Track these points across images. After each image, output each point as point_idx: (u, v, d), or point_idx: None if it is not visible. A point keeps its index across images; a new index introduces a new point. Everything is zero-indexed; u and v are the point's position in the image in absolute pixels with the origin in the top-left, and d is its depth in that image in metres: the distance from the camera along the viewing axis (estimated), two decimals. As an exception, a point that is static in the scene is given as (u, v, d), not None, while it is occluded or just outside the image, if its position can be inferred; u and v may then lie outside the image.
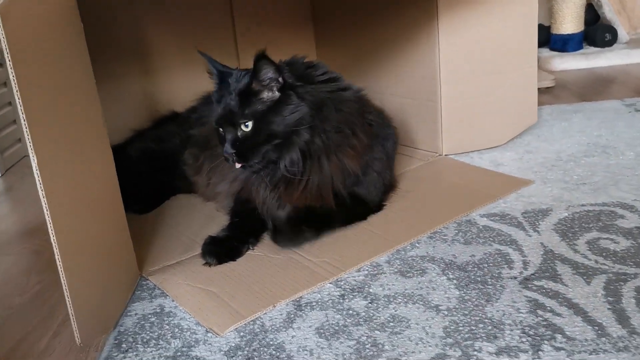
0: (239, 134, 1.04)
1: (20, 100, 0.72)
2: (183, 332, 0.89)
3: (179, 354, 0.84)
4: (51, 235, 0.77)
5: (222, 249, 1.05)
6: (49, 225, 0.77)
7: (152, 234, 1.19)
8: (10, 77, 0.71)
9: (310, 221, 1.10)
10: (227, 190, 1.22)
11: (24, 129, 0.73)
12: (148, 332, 0.90)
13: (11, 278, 1.12)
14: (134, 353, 0.85)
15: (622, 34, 2.40)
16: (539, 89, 2.03)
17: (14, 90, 0.72)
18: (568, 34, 2.36)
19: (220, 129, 1.06)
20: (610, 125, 1.61)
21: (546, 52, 2.41)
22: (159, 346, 0.86)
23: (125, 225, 1.02)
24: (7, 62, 0.70)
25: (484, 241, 1.07)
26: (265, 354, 0.82)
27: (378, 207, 1.21)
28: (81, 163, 0.87)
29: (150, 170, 1.37)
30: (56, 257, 0.78)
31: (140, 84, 1.50)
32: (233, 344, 0.85)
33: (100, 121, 0.96)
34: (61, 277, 0.79)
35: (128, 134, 1.46)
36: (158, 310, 0.95)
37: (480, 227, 1.12)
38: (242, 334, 0.87)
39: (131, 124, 1.47)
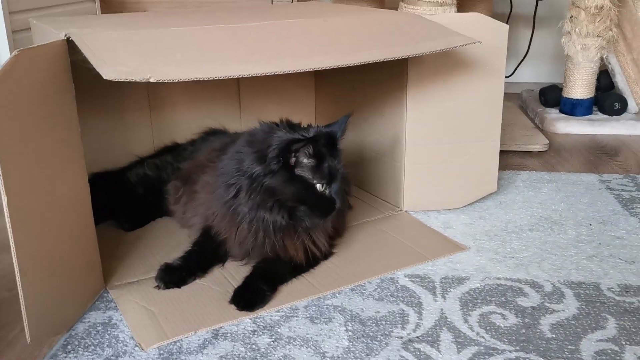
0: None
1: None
2: (118, 342, 1.09)
3: (107, 361, 1.05)
4: (11, 244, 0.96)
5: (170, 277, 1.25)
6: (10, 235, 0.96)
7: (127, 253, 1.41)
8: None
9: (269, 277, 1.25)
10: (198, 224, 1.41)
11: None
12: (92, 339, 1.11)
13: (6, 275, 1.36)
14: (74, 355, 1.06)
15: (632, 104, 2.45)
16: (530, 152, 2.16)
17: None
18: (577, 99, 2.44)
19: (325, 185, 1.25)
20: (573, 200, 1.72)
21: (555, 113, 2.50)
22: (95, 352, 1.07)
23: (94, 244, 1.23)
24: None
25: (394, 300, 1.22)
26: (170, 372, 1.02)
27: (328, 255, 1.39)
28: (51, 184, 1.05)
29: (143, 194, 1.59)
30: (15, 266, 0.98)
31: (148, 117, 1.73)
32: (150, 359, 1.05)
33: (78, 152, 1.15)
34: (18, 284, 0.99)
35: (132, 159, 1.69)
36: (106, 321, 1.16)
37: (399, 286, 1.27)
38: (161, 352, 1.07)
39: (137, 151, 1.70)
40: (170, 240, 1.47)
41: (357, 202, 1.69)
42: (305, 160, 1.23)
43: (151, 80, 0.96)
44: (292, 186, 1.22)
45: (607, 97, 2.47)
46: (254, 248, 1.28)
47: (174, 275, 1.25)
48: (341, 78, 1.82)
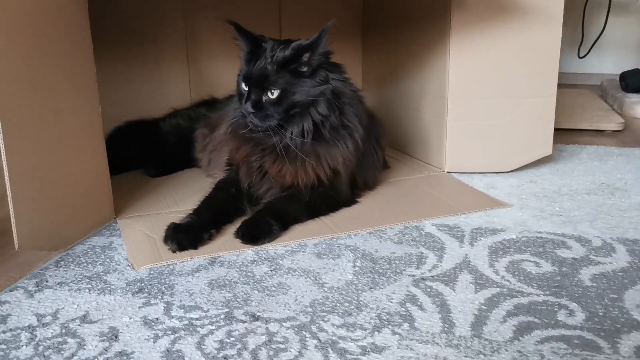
0: (263, 98, 1.14)
1: None
2: (111, 262, 1.04)
3: (94, 275, 0.99)
4: (4, 163, 0.93)
5: (185, 237, 1.09)
6: (2, 153, 0.93)
7: (148, 192, 1.37)
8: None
9: (280, 214, 1.16)
10: (221, 175, 1.35)
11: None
12: (87, 257, 1.06)
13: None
14: (64, 269, 1.02)
15: None
16: (604, 131, 1.96)
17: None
18: (661, 82, 2.21)
19: (245, 86, 1.16)
20: (642, 171, 1.52)
21: (635, 97, 2.27)
22: (85, 268, 1.02)
23: (105, 177, 1.19)
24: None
25: (415, 244, 1.10)
26: (155, 288, 0.94)
27: (350, 202, 1.29)
28: (55, 106, 1.03)
29: (174, 143, 1.56)
30: (6, 182, 0.95)
31: (186, 69, 1.70)
32: (138, 277, 0.98)
33: (90, 75, 1.13)
34: (8, 197, 0.96)
35: (168, 111, 1.66)
36: (107, 245, 1.11)
37: (424, 233, 1.15)
38: (151, 272, 1.00)
39: (174, 104, 1.67)
40: (192, 185, 1.42)
41: (396, 163, 1.57)
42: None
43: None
44: None
45: (695, 82, 2.22)
46: (258, 173, 1.21)
47: (190, 235, 1.10)
48: (386, 37, 1.73)
